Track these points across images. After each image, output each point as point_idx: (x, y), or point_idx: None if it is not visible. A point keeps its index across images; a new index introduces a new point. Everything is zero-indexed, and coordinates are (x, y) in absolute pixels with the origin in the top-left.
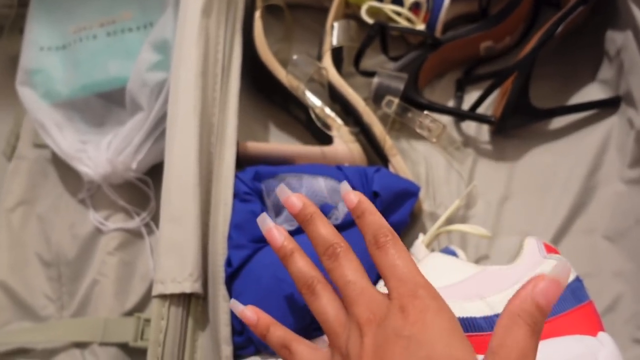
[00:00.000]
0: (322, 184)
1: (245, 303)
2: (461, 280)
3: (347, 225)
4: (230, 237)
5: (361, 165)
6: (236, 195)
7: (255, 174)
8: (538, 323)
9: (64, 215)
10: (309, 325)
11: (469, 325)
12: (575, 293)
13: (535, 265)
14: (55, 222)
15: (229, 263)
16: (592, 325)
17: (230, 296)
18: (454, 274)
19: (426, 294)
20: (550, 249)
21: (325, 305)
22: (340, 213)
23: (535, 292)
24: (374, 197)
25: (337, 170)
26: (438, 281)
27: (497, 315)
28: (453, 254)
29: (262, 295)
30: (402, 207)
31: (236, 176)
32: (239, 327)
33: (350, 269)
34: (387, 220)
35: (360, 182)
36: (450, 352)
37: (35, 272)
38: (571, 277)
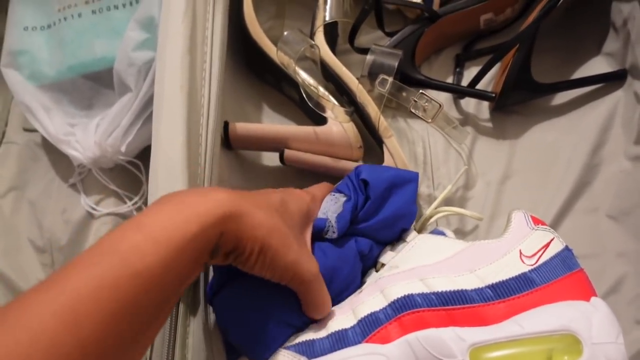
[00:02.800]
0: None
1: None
2: (450, 256)
3: (340, 238)
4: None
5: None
6: None
7: None
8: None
9: (56, 200)
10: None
11: (461, 297)
12: (565, 262)
13: (523, 236)
14: (46, 207)
15: (210, 286)
16: (585, 291)
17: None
18: (442, 251)
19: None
20: (537, 221)
21: None
22: (334, 227)
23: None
24: (363, 185)
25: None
26: (427, 258)
27: (488, 287)
28: (442, 234)
29: (238, 320)
30: (398, 195)
31: None
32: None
33: None
34: (383, 212)
35: (345, 180)
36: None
37: (29, 258)
38: (560, 247)
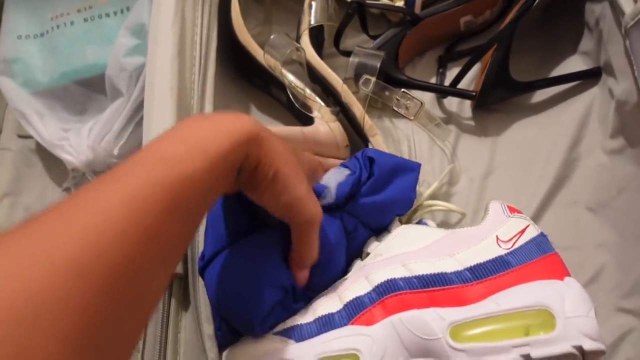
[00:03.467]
0: None
1: (213, 292)
2: (431, 243)
3: (334, 208)
4: (205, 233)
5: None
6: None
7: None
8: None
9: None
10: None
11: (441, 280)
12: (539, 245)
13: (500, 223)
14: None
15: (202, 257)
16: (559, 272)
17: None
18: (424, 239)
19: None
20: (513, 210)
21: None
22: (332, 193)
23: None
24: (369, 163)
25: None
26: (410, 246)
27: (466, 269)
28: (424, 224)
29: (228, 284)
30: (401, 179)
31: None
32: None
33: None
34: (385, 193)
35: (352, 159)
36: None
37: None
38: (535, 233)
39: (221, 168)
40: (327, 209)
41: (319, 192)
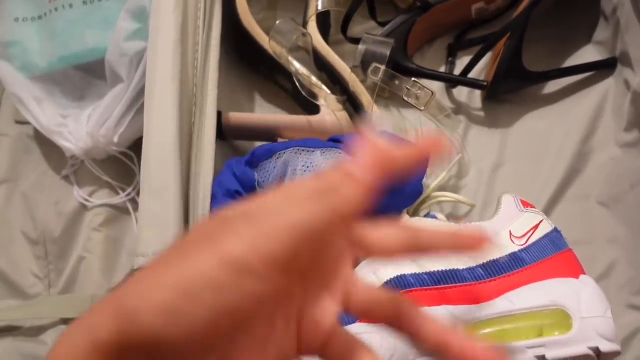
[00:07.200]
0: (319, 158)
1: None
2: None
3: None
4: None
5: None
6: (225, 190)
7: (252, 156)
8: None
9: (49, 192)
10: None
11: (453, 276)
12: (554, 242)
13: (513, 218)
14: (39, 199)
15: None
16: (574, 269)
17: None
18: None
19: None
20: (526, 204)
21: None
22: None
23: None
24: None
25: (333, 142)
26: None
27: (479, 266)
28: (433, 217)
29: None
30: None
31: (229, 165)
32: None
33: None
34: (397, 194)
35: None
36: None
37: (22, 250)
38: (549, 228)
39: None
40: None
41: None
